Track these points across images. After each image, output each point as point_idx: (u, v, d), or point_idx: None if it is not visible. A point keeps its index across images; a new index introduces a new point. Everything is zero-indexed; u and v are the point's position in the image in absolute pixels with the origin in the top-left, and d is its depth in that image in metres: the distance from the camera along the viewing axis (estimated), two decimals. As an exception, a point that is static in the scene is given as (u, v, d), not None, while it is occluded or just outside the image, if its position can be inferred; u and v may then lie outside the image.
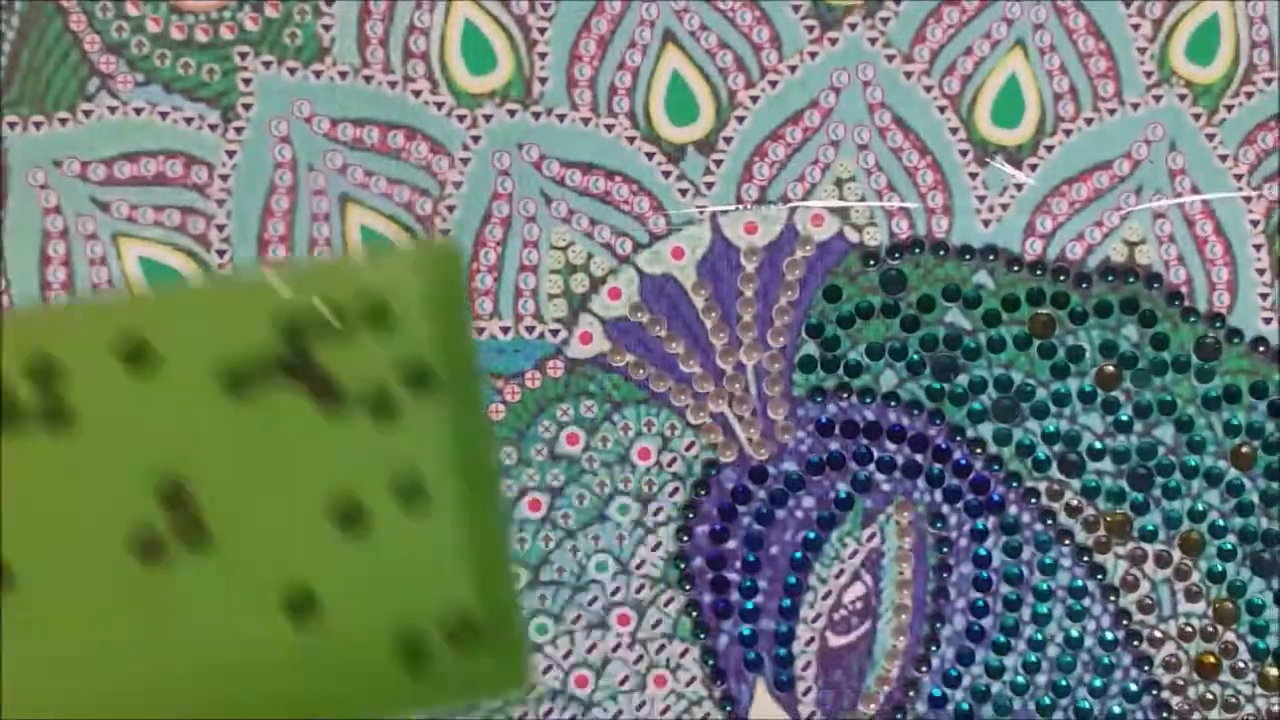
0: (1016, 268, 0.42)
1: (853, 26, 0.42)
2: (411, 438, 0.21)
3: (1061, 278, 0.42)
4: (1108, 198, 0.42)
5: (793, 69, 0.42)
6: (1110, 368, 0.41)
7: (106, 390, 0.20)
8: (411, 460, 0.21)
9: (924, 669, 0.43)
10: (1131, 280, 0.42)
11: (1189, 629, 0.42)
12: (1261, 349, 0.42)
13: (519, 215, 0.42)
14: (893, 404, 0.42)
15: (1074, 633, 0.42)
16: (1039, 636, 0.42)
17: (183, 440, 0.20)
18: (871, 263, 0.42)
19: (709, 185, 0.42)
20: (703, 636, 0.42)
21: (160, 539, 0.20)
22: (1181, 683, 0.41)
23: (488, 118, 0.42)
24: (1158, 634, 0.42)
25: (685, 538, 0.42)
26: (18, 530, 0.19)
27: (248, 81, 0.41)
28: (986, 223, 0.42)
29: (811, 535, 0.42)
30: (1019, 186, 0.42)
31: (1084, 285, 0.42)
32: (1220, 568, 0.41)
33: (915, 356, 0.42)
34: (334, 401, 0.21)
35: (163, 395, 0.20)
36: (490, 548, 0.22)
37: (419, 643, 0.21)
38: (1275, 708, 0.41)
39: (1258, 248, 0.42)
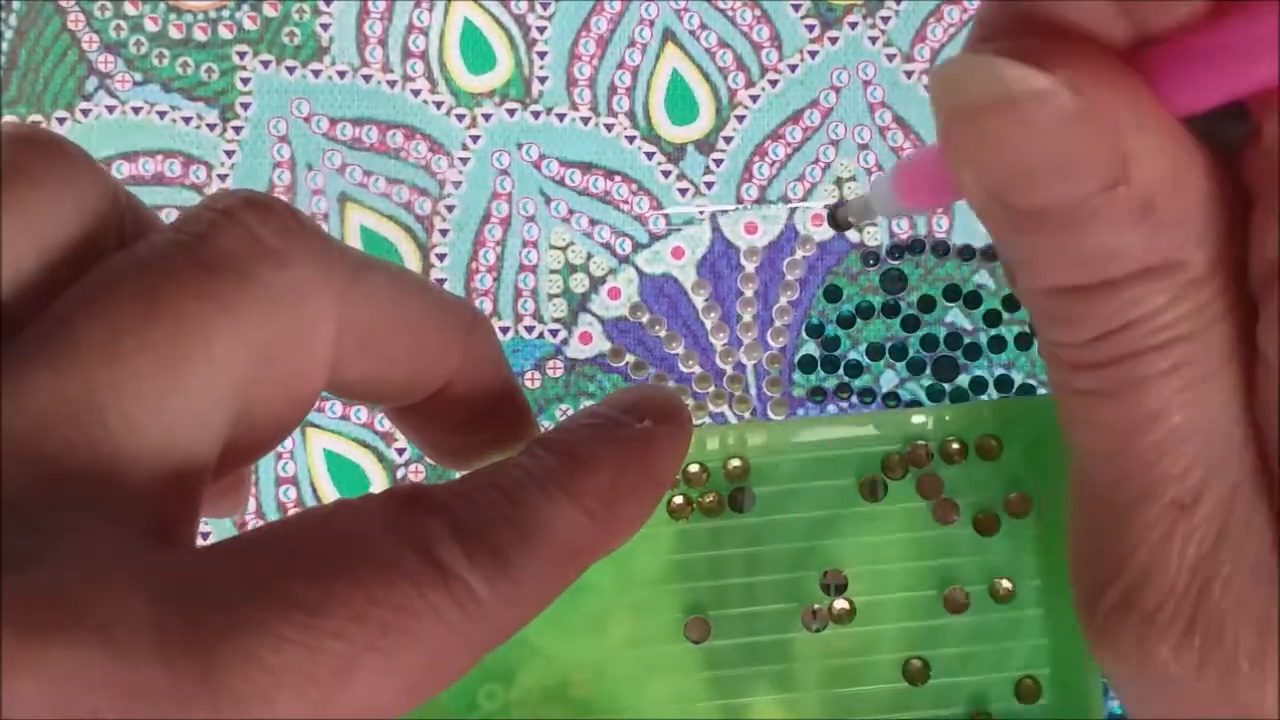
0: (1017, 267, 0.42)
1: (853, 26, 0.42)
2: (1005, 550, 0.28)
3: (1062, 277, 0.42)
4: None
5: (793, 68, 0.42)
6: (1111, 368, 0.41)
7: (775, 485, 0.27)
8: (1003, 568, 0.28)
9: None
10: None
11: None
12: (1263, 349, 0.42)
13: (518, 215, 0.41)
14: (893, 404, 0.42)
15: (1075, 633, 0.42)
16: (1040, 637, 0.42)
17: (834, 529, 0.27)
18: (872, 263, 0.42)
19: (709, 185, 0.42)
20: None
21: (821, 612, 0.26)
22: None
23: (487, 117, 0.41)
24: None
25: (685, 538, 0.42)
26: (712, 588, 0.26)
27: (246, 81, 0.41)
28: (987, 222, 0.42)
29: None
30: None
31: (1085, 285, 0.42)
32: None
33: (916, 356, 0.41)
34: (949, 513, 0.27)
35: (818, 494, 0.27)
36: (1068, 635, 0.28)
37: (987, 703, 0.28)
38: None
39: (1259, 247, 0.42)
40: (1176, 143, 0.13)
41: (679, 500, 0.26)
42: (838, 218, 0.22)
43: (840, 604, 0.26)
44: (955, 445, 0.28)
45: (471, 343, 0.19)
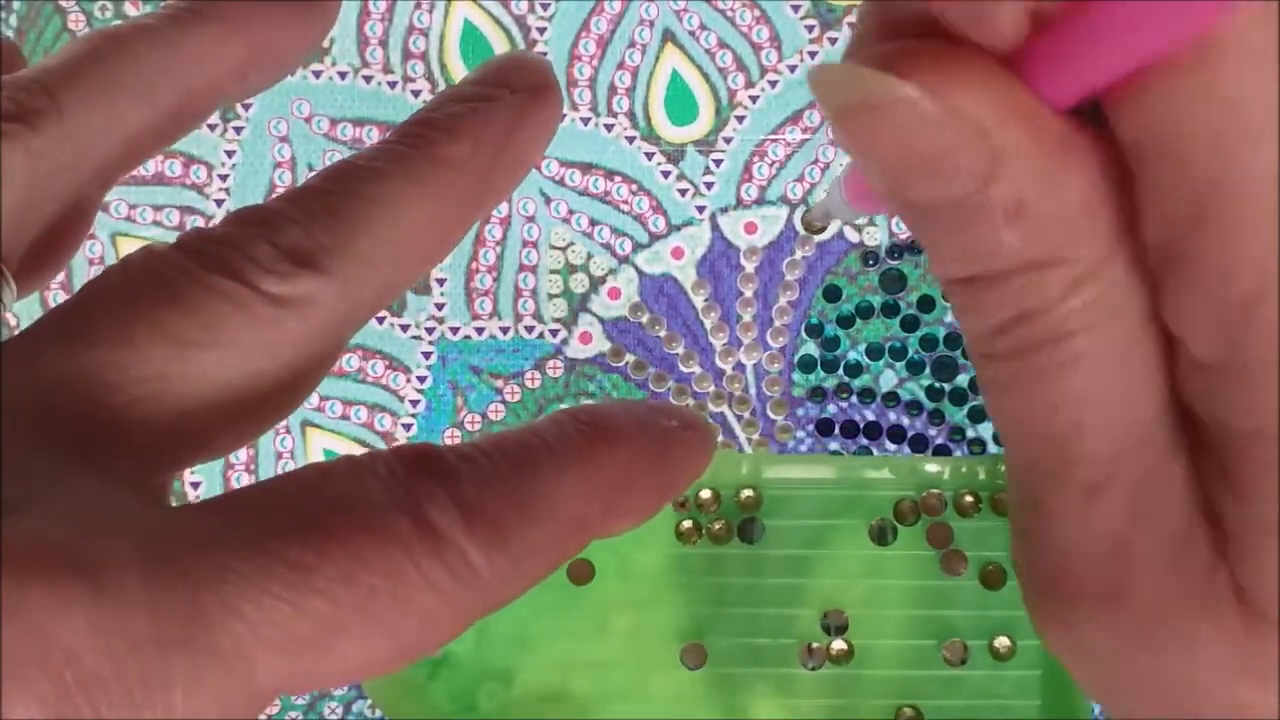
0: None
1: (852, 26, 0.42)
2: (1009, 608, 0.28)
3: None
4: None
5: (793, 69, 0.42)
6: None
7: (785, 520, 0.26)
8: (1005, 626, 0.28)
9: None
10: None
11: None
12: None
13: (518, 215, 0.41)
14: (892, 404, 0.42)
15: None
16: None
17: (839, 569, 0.27)
18: (871, 262, 0.42)
19: (709, 185, 0.42)
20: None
21: (819, 651, 0.26)
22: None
23: (487, 117, 0.41)
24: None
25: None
26: (712, 615, 0.26)
27: (246, 81, 0.41)
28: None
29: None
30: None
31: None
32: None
33: (915, 356, 0.41)
34: (957, 565, 0.27)
35: (827, 532, 0.26)
36: (1064, 699, 0.28)
37: None
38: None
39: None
40: (1048, 141, 0.13)
41: (688, 525, 0.26)
42: (805, 223, 0.22)
43: (839, 645, 0.26)
44: (969, 498, 0.28)
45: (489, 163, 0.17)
